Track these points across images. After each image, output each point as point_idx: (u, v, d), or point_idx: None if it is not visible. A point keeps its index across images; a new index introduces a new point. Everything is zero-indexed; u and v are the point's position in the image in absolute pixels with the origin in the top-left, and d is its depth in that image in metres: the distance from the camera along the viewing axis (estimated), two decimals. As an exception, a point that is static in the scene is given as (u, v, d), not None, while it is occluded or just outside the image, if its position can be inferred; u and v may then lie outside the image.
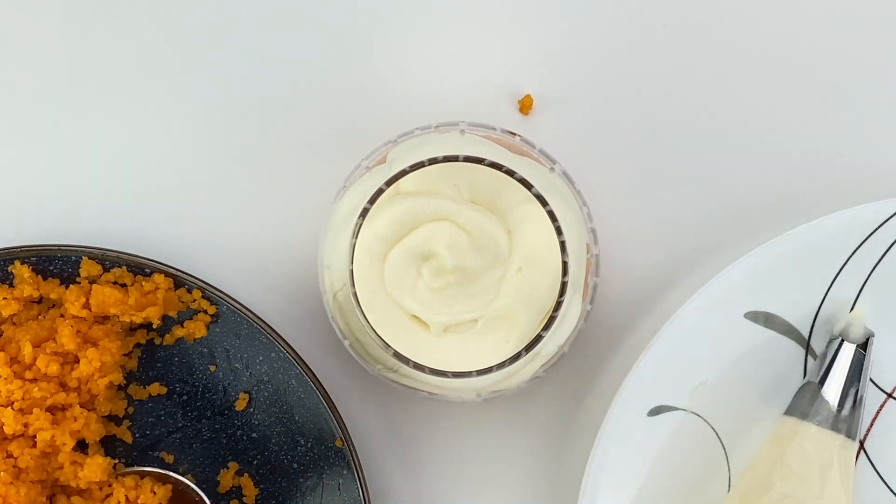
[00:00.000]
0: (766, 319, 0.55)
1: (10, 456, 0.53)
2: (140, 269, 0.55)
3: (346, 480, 0.55)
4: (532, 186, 0.49)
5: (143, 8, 0.59)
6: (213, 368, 0.56)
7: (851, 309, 0.55)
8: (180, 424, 0.56)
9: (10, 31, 0.59)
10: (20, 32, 0.59)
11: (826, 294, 0.55)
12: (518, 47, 0.59)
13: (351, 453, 0.54)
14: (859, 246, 0.54)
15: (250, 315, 0.55)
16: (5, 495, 0.52)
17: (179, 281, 0.55)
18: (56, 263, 0.55)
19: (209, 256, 0.58)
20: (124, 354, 0.56)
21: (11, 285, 0.55)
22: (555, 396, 0.58)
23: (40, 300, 0.56)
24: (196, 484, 0.56)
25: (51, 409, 0.55)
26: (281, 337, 0.55)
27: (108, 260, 0.55)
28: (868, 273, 0.55)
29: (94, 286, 0.55)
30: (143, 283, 0.55)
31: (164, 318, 0.56)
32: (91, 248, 0.55)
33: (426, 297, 0.51)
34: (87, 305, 0.55)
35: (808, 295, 0.55)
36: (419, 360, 0.51)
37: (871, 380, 0.55)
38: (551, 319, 0.49)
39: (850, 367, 0.53)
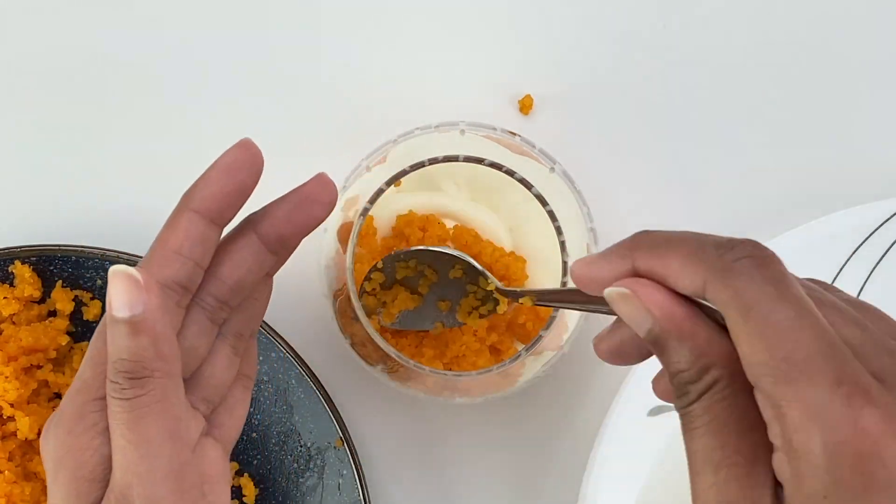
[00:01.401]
0: (766, 319, 0.55)
1: (11, 459, 0.53)
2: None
3: (346, 480, 0.55)
4: (532, 186, 0.49)
5: (145, 10, 0.59)
6: (212, 368, 0.56)
7: (851, 309, 0.55)
8: (180, 424, 0.56)
9: (9, 30, 0.59)
10: (21, 32, 0.59)
11: (826, 294, 0.55)
12: (518, 47, 0.59)
13: (351, 453, 0.54)
14: (859, 246, 0.54)
15: (250, 315, 0.55)
16: (9, 494, 0.52)
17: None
18: (56, 263, 0.55)
19: (209, 256, 0.58)
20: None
21: (12, 285, 0.55)
22: (555, 396, 0.58)
23: (41, 300, 0.56)
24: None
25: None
26: (281, 337, 0.55)
27: (108, 260, 0.55)
28: (868, 273, 0.55)
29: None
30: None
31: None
32: (91, 248, 0.55)
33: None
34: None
35: (808, 295, 0.55)
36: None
37: (871, 380, 0.55)
38: (551, 319, 0.49)
39: (851, 368, 0.53)
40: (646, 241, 0.34)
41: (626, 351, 0.36)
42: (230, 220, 0.40)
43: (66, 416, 0.38)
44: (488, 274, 0.49)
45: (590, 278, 0.35)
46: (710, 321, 0.32)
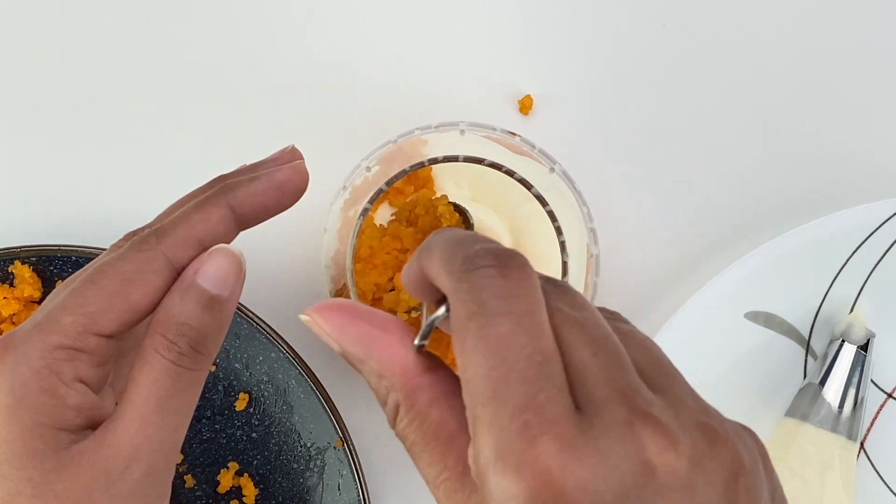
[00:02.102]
0: (766, 319, 0.55)
1: None
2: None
3: (345, 480, 0.55)
4: (532, 186, 0.49)
5: (143, 9, 0.59)
6: (212, 368, 0.56)
7: (851, 310, 0.55)
8: (180, 424, 0.56)
9: (10, 31, 0.59)
10: (21, 33, 0.59)
11: (826, 294, 0.55)
12: (518, 48, 0.59)
13: (351, 453, 0.54)
14: (859, 246, 0.54)
15: (250, 315, 0.55)
16: None
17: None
18: (56, 263, 0.55)
19: (209, 256, 0.58)
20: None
21: (12, 285, 0.55)
22: (555, 396, 0.58)
23: (41, 300, 0.56)
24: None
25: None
26: (281, 337, 0.55)
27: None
28: (868, 273, 0.55)
29: None
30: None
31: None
32: (91, 248, 0.55)
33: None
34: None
35: (808, 295, 0.55)
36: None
37: (871, 380, 0.55)
38: (551, 319, 0.49)
39: (851, 369, 0.53)
40: (428, 241, 0.31)
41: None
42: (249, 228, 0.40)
43: (30, 356, 0.36)
44: None
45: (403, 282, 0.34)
46: (389, 337, 0.31)
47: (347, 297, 0.50)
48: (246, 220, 0.40)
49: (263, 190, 0.39)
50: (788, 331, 0.55)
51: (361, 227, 0.49)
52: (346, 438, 0.55)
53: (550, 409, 0.26)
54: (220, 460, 0.56)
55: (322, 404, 0.55)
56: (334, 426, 0.55)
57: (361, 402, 0.58)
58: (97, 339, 0.36)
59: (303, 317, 0.32)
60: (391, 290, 0.51)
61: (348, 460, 0.54)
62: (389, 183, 0.49)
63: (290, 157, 0.40)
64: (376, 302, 0.52)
